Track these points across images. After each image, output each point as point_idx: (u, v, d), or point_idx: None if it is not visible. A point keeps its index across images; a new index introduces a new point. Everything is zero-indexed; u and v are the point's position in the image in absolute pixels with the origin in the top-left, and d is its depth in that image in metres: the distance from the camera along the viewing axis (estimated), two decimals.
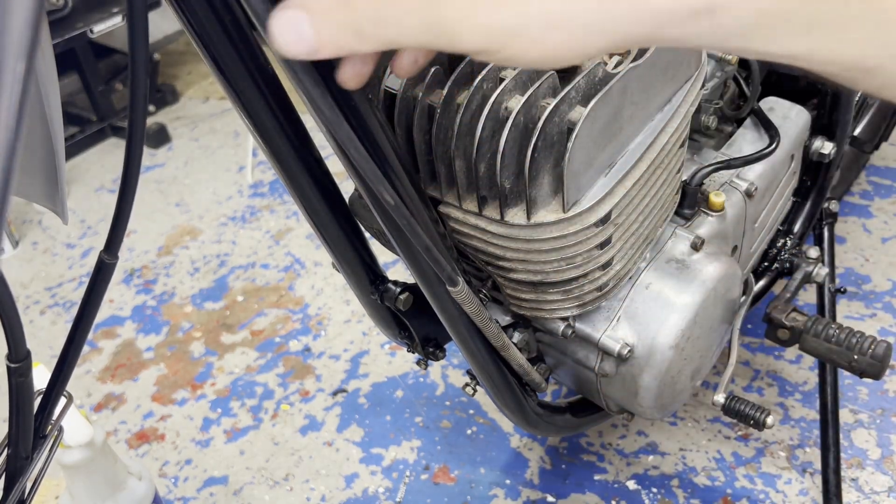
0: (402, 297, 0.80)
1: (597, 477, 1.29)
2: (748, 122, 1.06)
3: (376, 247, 0.83)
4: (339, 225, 0.74)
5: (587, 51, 0.36)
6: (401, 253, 0.70)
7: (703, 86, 0.83)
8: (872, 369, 0.99)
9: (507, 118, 0.65)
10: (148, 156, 2.38)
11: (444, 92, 0.66)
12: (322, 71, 0.48)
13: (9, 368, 0.53)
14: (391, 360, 1.56)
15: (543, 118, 0.64)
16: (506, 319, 0.88)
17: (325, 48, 0.37)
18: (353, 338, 1.63)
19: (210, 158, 2.33)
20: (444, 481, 1.32)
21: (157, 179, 2.27)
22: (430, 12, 0.34)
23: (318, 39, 0.36)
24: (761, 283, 1.20)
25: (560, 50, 0.36)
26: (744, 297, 1.02)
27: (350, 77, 0.45)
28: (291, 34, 0.37)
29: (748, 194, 0.97)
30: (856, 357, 0.99)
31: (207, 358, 1.64)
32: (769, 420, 0.98)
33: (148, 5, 0.51)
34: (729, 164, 0.96)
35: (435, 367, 1.52)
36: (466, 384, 0.99)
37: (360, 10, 0.35)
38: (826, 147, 1.15)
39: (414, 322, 0.86)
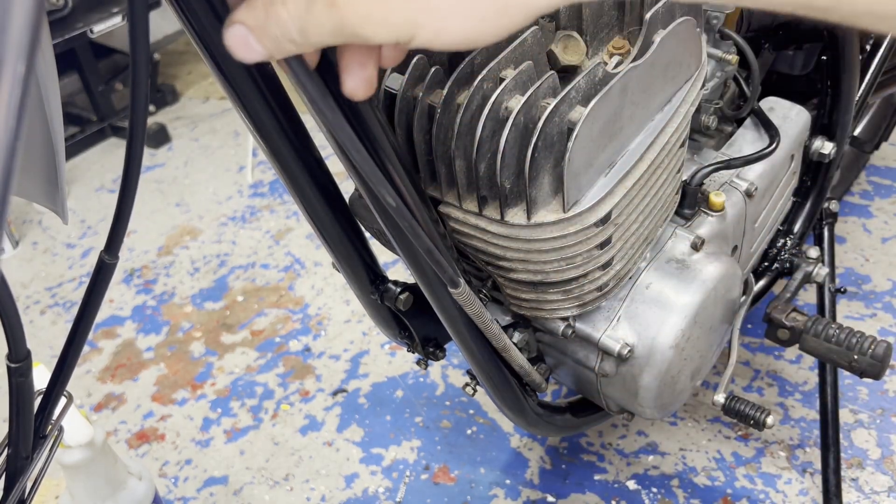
0: (402, 297, 0.80)
1: (597, 477, 1.29)
2: (748, 122, 1.06)
3: (376, 247, 0.83)
4: (339, 225, 0.74)
5: (505, 29, 0.38)
6: (401, 253, 0.70)
7: (703, 86, 0.83)
8: (872, 369, 0.99)
9: (507, 118, 0.65)
10: (148, 156, 2.38)
11: (444, 92, 0.66)
12: (323, 73, 0.48)
13: (9, 368, 0.53)
14: (391, 360, 1.56)
15: (543, 118, 0.64)
16: (506, 319, 0.88)
17: (275, 54, 0.41)
18: (353, 338, 1.63)
19: (210, 158, 2.33)
20: (444, 481, 1.32)
21: (157, 179, 2.27)
22: (336, 21, 0.38)
23: (265, 48, 0.40)
24: (761, 283, 1.20)
25: (473, 32, 0.38)
26: (744, 297, 1.02)
27: (354, 87, 0.45)
28: (242, 47, 0.41)
29: (748, 194, 0.97)
30: (856, 357, 0.99)
31: (207, 358, 1.64)
32: (769, 420, 0.98)
33: (148, 5, 0.51)
34: (729, 164, 0.96)
35: (435, 367, 1.52)
36: (466, 384, 0.99)
37: (284, 22, 0.39)
38: (826, 147, 1.15)
39: (414, 322, 0.86)
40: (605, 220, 0.72)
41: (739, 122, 1.07)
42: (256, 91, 0.58)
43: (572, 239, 0.71)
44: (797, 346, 1.05)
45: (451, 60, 0.71)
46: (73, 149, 2.43)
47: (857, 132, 1.55)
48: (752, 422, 0.98)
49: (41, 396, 0.60)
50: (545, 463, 1.33)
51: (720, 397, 0.99)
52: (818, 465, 1.23)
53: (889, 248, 1.62)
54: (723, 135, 1.08)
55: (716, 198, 0.92)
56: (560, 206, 0.69)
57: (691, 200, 0.91)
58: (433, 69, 0.67)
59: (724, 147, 1.04)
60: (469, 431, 1.40)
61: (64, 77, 2.34)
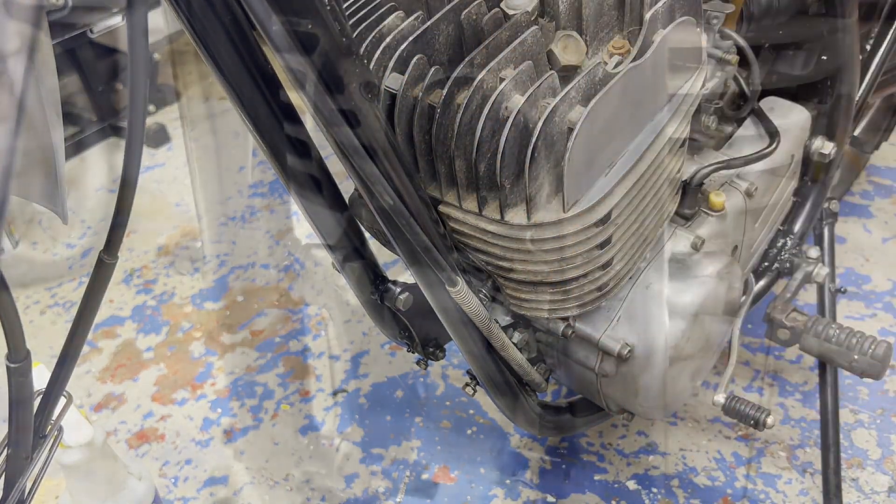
0: (402, 297, 0.81)
1: (597, 477, 1.29)
2: (748, 122, 1.06)
3: (376, 247, 0.83)
4: (339, 225, 0.74)
5: None
6: (400, 253, 0.70)
7: (703, 86, 0.83)
8: (872, 369, 0.99)
9: (507, 118, 0.65)
10: (148, 156, 2.37)
11: (444, 92, 0.66)
12: (321, 73, 0.48)
13: (9, 368, 0.53)
14: (391, 360, 1.56)
15: (543, 118, 0.64)
16: (506, 319, 0.88)
17: None
18: (353, 338, 1.62)
19: (210, 158, 2.33)
20: (444, 481, 1.32)
21: (157, 179, 2.27)
22: None
23: None
24: (761, 283, 1.20)
25: None
26: (744, 297, 1.01)
27: None
28: None
29: (748, 194, 0.97)
30: (856, 357, 0.99)
31: (207, 358, 1.64)
32: (769, 420, 0.98)
33: (148, 5, 0.51)
34: (729, 164, 0.96)
35: (435, 367, 1.52)
36: (466, 384, 0.99)
37: None
38: (826, 147, 1.15)
39: (414, 322, 0.86)
40: (604, 220, 0.72)
41: (739, 122, 1.07)
42: (256, 91, 0.58)
43: (572, 239, 0.71)
44: (797, 346, 1.05)
45: (451, 60, 0.71)
46: (73, 149, 2.43)
47: (857, 132, 1.54)
48: (752, 422, 0.98)
49: (41, 396, 0.60)
50: (545, 463, 1.33)
51: (720, 397, 0.99)
52: (818, 465, 1.23)
53: (889, 248, 1.62)
54: (723, 135, 1.08)
55: (716, 198, 0.92)
56: (560, 206, 0.69)
57: (691, 200, 0.91)
58: (433, 69, 0.67)
59: (724, 147, 1.04)
60: (469, 431, 1.39)
61: (64, 77, 2.34)
